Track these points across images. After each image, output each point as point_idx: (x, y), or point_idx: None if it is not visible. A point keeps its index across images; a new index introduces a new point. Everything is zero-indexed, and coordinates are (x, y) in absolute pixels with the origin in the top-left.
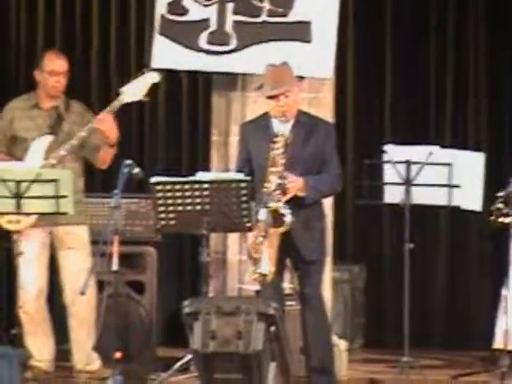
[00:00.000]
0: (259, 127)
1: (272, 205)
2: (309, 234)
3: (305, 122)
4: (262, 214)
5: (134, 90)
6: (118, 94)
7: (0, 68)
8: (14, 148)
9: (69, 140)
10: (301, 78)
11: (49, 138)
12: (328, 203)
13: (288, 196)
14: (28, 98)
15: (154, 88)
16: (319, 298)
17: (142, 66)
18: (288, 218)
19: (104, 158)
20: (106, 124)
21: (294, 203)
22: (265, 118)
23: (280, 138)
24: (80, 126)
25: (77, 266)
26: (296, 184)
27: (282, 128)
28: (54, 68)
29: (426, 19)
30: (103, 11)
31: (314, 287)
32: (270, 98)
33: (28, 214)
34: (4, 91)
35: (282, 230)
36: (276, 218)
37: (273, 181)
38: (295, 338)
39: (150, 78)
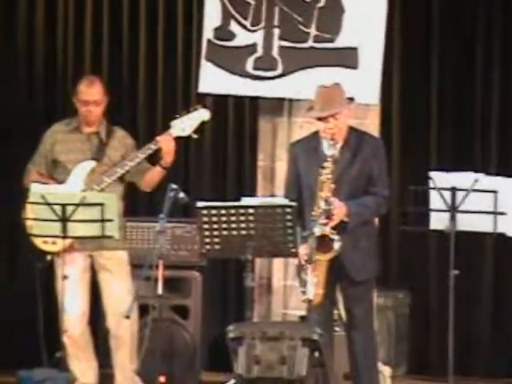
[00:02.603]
0: (309, 148)
1: (317, 230)
2: (357, 255)
3: (353, 140)
4: (309, 240)
5: (184, 126)
6: (168, 127)
7: (48, 92)
8: (55, 172)
9: (111, 166)
10: (351, 99)
11: (92, 164)
12: None
13: (334, 222)
14: (69, 123)
15: (203, 125)
16: (369, 319)
17: (189, 91)
18: (337, 245)
19: (152, 180)
20: (169, 145)
21: (341, 225)
22: (315, 138)
23: (329, 162)
24: (119, 150)
25: (118, 290)
26: (340, 211)
27: (332, 151)
28: (85, 98)
29: (471, 50)
30: (150, 36)
31: (363, 308)
32: (320, 119)
33: (73, 238)
34: (51, 116)
35: (329, 255)
36: (324, 243)
37: (320, 206)
38: (340, 364)
39: (202, 115)
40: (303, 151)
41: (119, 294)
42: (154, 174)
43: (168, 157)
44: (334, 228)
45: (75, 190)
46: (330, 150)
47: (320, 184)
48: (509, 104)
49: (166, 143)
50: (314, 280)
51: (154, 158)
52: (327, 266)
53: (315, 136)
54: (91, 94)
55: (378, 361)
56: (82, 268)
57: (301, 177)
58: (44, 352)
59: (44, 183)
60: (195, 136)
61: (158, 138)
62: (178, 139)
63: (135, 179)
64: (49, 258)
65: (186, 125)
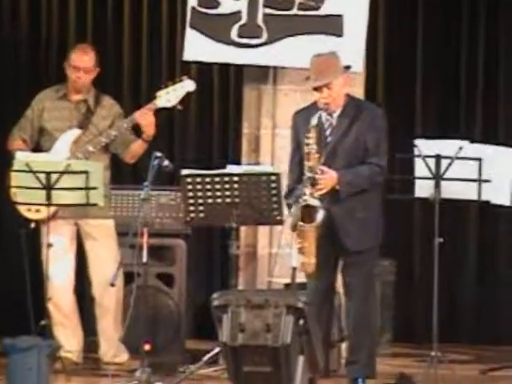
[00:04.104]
0: (308, 116)
1: (303, 199)
2: (352, 224)
3: (351, 110)
4: (292, 209)
5: (170, 96)
6: (154, 97)
7: (31, 60)
8: (42, 139)
9: (97, 135)
10: (348, 67)
11: (77, 132)
12: None
13: (322, 191)
14: (58, 89)
15: (187, 96)
16: (364, 290)
17: (174, 59)
18: (320, 215)
19: (135, 152)
20: (147, 119)
21: (336, 195)
22: (315, 107)
23: (312, 132)
24: (108, 120)
25: (104, 258)
26: (328, 178)
27: (314, 121)
28: (76, 64)
29: (458, 13)
30: (135, 4)
31: (359, 278)
32: (315, 89)
33: (58, 206)
34: (35, 83)
35: (313, 225)
36: (308, 212)
37: (306, 175)
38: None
39: (187, 87)
40: (303, 120)
41: (105, 262)
42: (137, 147)
43: (148, 130)
44: (325, 196)
45: (60, 158)
46: (313, 119)
47: (305, 154)
48: (494, 72)
49: (143, 117)
50: (297, 248)
51: (139, 130)
52: (316, 235)
53: (315, 105)
54: (83, 60)
55: (372, 332)
56: (68, 236)
57: (301, 145)
58: (30, 320)
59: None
60: (180, 107)
61: (136, 114)
62: (162, 109)
63: (119, 150)
64: (32, 225)
65: (171, 96)
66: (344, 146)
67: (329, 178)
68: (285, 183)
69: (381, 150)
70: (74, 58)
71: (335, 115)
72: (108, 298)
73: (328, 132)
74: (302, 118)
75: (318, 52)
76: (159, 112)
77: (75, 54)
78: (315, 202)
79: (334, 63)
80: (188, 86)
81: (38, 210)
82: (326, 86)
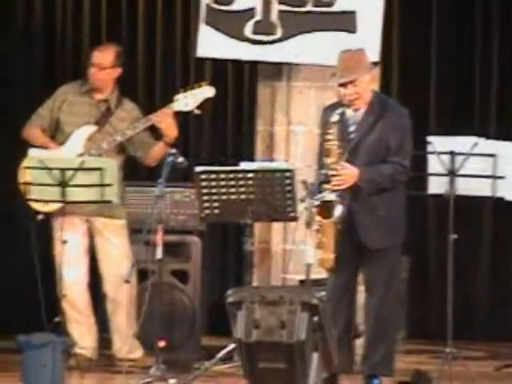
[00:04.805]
0: (333, 113)
1: (320, 195)
2: (373, 222)
3: (376, 107)
4: (307, 204)
5: (188, 101)
6: (171, 100)
7: (45, 57)
8: (56, 131)
9: (112, 133)
10: (376, 64)
11: (92, 128)
12: None
13: (342, 186)
14: (83, 84)
15: (205, 101)
16: (385, 287)
17: (188, 56)
18: (338, 210)
19: (156, 155)
20: (166, 121)
21: (358, 192)
22: (341, 103)
23: (333, 128)
24: (126, 123)
25: (116, 255)
26: (350, 174)
27: (335, 117)
28: (92, 60)
29: (471, 13)
30: (149, 1)
31: (379, 276)
32: (341, 85)
33: (73, 203)
34: (49, 80)
35: (330, 221)
36: (325, 208)
37: (323, 172)
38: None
39: (206, 92)
40: (329, 117)
41: (117, 259)
42: (158, 150)
43: (170, 133)
44: (347, 192)
45: (72, 153)
46: (334, 116)
47: (325, 150)
48: (508, 68)
49: (161, 121)
50: (315, 243)
51: (157, 132)
52: (335, 231)
53: (342, 102)
54: (98, 57)
55: (390, 330)
56: (81, 233)
57: None
58: (42, 317)
59: (43, 147)
60: (198, 112)
61: (155, 119)
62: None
63: (139, 154)
64: (41, 216)
65: (189, 100)
66: (366, 143)
67: (350, 173)
68: (300, 178)
69: (404, 149)
70: (92, 55)
71: (361, 112)
72: (120, 295)
73: (352, 128)
74: (328, 114)
75: (346, 48)
76: (176, 113)
77: (95, 51)
78: (332, 197)
79: (362, 60)
80: (207, 91)
81: (46, 203)
82: (352, 82)
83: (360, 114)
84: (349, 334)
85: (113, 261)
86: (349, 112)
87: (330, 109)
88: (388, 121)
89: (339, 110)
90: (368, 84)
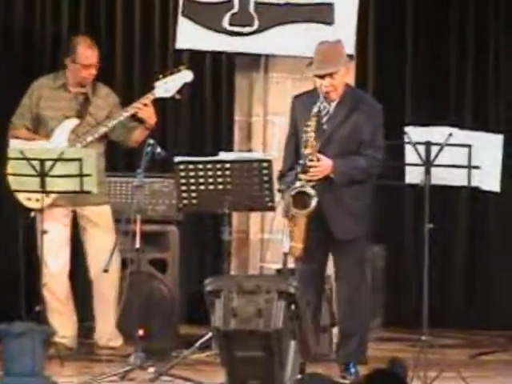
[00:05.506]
0: (307, 103)
1: (298, 186)
2: (340, 214)
3: (350, 100)
4: (285, 195)
5: (168, 87)
6: (151, 88)
7: (25, 51)
8: (39, 127)
9: (94, 125)
10: (351, 57)
11: (75, 122)
12: None
13: (316, 177)
14: (56, 78)
15: (184, 85)
16: (355, 272)
17: (166, 48)
18: (314, 201)
19: (137, 138)
20: (147, 112)
21: (329, 183)
22: (315, 93)
23: (312, 120)
24: (105, 110)
25: (102, 244)
26: (324, 166)
27: (315, 108)
28: (88, 61)
29: (446, 2)
30: None
31: (348, 263)
32: (317, 76)
33: (52, 193)
34: (29, 73)
35: (306, 211)
36: (301, 199)
37: (300, 162)
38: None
39: (185, 77)
40: (302, 106)
41: (103, 247)
42: (139, 133)
43: (151, 120)
44: (318, 183)
45: (57, 147)
46: (315, 107)
47: (304, 141)
48: (484, 57)
49: (143, 111)
50: (289, 234)
51: (137, 117)
52: (306, 221)
53: (316, 92)
54: (93, 57)
55: (363, 319)
56: (63, 223)
57: (298, 132)
58: (24, 306)
59: (29, 139)
60: (178, 97)
61: (135, 106)
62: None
63: (121, 138)
64: (32, 214)
65: (169, 86)
66: (341, 133)
67: (324, 165)
68: (277, 169)
69: (377, 143)
70: (83, 55)
71: (333, 104)
72: (105, 284)
73: (324, 120)
74: (301, 103)
75: (323, 39)
76: (154, 101)
77: (83, 50)
78: (310, 190)
79: (340, 52)
80: (186, 75)
81: (38, 200)
82: (330, 74)
83: (332, 106)
84: (316, 322)
85: (99, 249)
86: (321, 103)
87: (300, 98)
88: (362, 113)
89: (319, 102)
90: (343, 77)
